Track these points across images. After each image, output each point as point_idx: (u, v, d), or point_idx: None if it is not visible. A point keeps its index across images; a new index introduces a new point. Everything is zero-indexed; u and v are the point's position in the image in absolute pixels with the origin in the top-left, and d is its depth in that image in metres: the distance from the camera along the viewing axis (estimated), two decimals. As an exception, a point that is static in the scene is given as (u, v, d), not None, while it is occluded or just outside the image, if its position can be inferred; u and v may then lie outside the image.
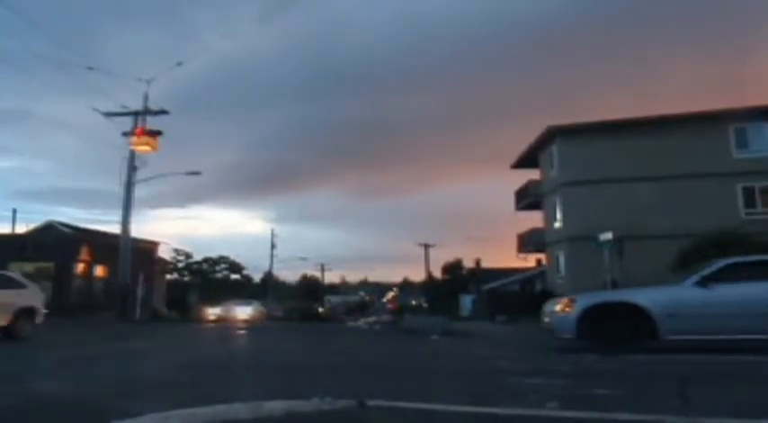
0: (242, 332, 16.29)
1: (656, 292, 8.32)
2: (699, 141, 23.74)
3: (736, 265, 8.18)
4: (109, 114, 23.32)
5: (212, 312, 33.80)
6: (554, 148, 27.04)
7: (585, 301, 8.15)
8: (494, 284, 37.50)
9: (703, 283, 7.85)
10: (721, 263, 8.21)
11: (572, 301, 8.25)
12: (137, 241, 26.63)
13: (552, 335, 8.62)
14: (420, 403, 3.76)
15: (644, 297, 7.90)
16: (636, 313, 7.67)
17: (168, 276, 44.54)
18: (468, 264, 54.61)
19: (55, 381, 5.55)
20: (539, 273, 33.66)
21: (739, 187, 23.49)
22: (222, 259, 50.67)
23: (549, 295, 26.79)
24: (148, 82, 23.46)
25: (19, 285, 12.16)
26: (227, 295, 39.08)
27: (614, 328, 7.70)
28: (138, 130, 22.81)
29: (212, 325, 24.28)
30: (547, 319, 8.86)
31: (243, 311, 32.16)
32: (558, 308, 8.39)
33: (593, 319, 7.80)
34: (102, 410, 3.65)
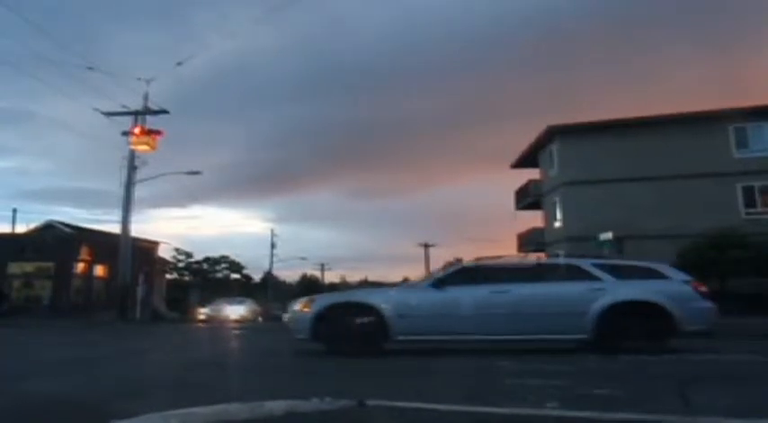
0: (234, 333, 16.26)
1: (392, 294, 8.40)
2: (699, 141, 23.74)
3: (469, 269, 8.38)
4: (109, 114, 23.32)
5: (202, 312, 32.64)
6: (554, 148, 27.04)
7: (323, 300, 8.03)
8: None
9: (438, 285, 7.89)
10: (458, 266, 8.46)
11: (311, 300, 8.08)
12: (137, 241, 26.63)
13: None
14: (420, 403, 3.76)
15: (379, 298, 7.88)
16: (370, 314, 7.61)
17: (168, 276, 44.59)
18: (468, 263, 54.55)
19: (54, 380, 5.55)
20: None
21: (739, 187, 23.49)
22: (222, 259, 50.70)
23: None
24: (148, 82, 23.46)
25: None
26: (227, 295, 38.97)
27: (348, 328, 7.57)
28: (137, 130, 22.80)
29: (201, 325, 23.80)
30: (287, 319, 8.59)
31: (235, 311, 31.00)
32: (297, 307, 8.15)
33: (329, 319, 7.65)
34: (101, 410, 3.65)
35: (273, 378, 5.81)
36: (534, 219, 31.81)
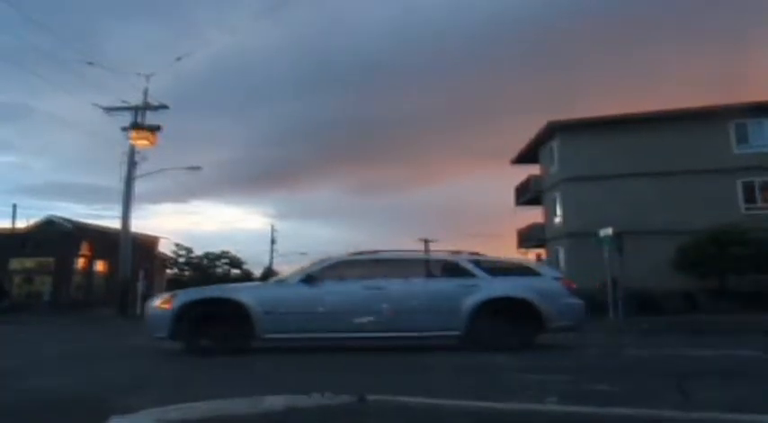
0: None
1: (260, 289, 8.21)
2: (699, 137, 23.70)
3: (342, 263, 8.10)
4: (109, 109, 23.27)
5: None
6: (554, 144, 27.01)
7: (185, 296, 7.58)
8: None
9: (309, 280, 7.64)
10: (330, 260, 8.10)
11: (173, 296, 7.62)
12: (137, 236, 26.61)
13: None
14: (420, 398, 3.76)
15: (246, 294, 7.56)
16: (236, 311, 7.25)
17: (169, 271, 44.58)
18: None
19: (55, 377, 5.56)
20: (539, 268, 33.70)
21: (739, 183, 23.46)
22: (223, 254, 50.67)
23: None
24: (148, 77, 23.40)
25: None
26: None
27: (211, 326, 7.17)
28: (136, 125, 22.77)
29: None
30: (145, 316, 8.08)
31: None
32: (156, 303, 7.63)
33: (191, 317, 7.19)
34: (102, 406, 3.66)
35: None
36: (534, 215, 31.81)
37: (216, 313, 7.25)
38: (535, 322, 7.56)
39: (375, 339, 7.56)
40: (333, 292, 7.60)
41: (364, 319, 7.37)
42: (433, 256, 8.73)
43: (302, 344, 7.76)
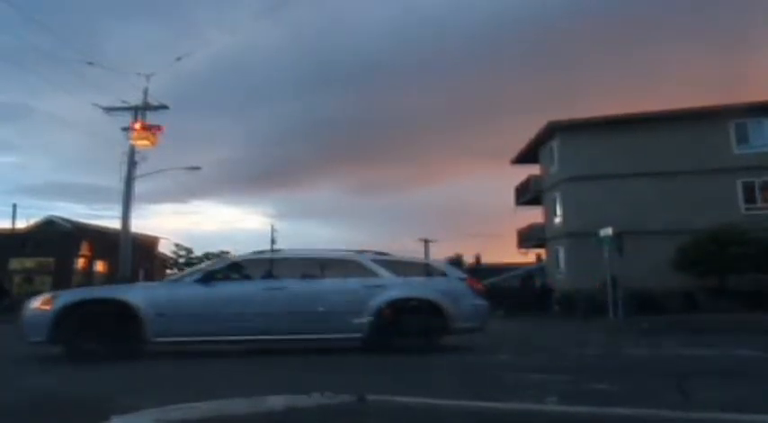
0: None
1: (152, 289, 7.80)
2: (699, 137, 23.69)
3: (241, 263, 7.80)
4: (109, 109, 23.28)
5: None
6: (554, 144, 27.00)
7: (68, 297, 7.02)
8: (493, 280, 37.53)
9: (205, 280, 7.23)
10: (228, 259, 7.88)
11: (54, 296, 7.04)
12: (137, 236, 26.62)
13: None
14: (420, 398, 3.76)
15: (135, 294, 7.09)
16: (123, 312, 6.76)
17: (168, 272, 44.57)
18: (469, 259, 54.63)
19: (54, 377, 5.56)
20: (538, 268, 33.66)
21: (739, 183, 23.45)
22: (223, 254, 50.66)
23: (548, 291, 26.90)
24: (148, 77, 23.40)
25: None
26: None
27: (96, 329, 6.63)
28: (137, 126, 22.77)
29: None
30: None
31: None
32: (35, 304, 6.94)
33: (74, 319, 6.63)
34: (101, 406, 3.66)
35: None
36: (534, 215, 31.80)
37: (102, 315, 6.74)
38: (440, 323, 7.33)
39: (275, 342, 7.20)
40: (230, 292, 7.23)
41: (262, 322, 6.98)
42: (337, 255, 8.37)
43: (198, 348, 7.26)
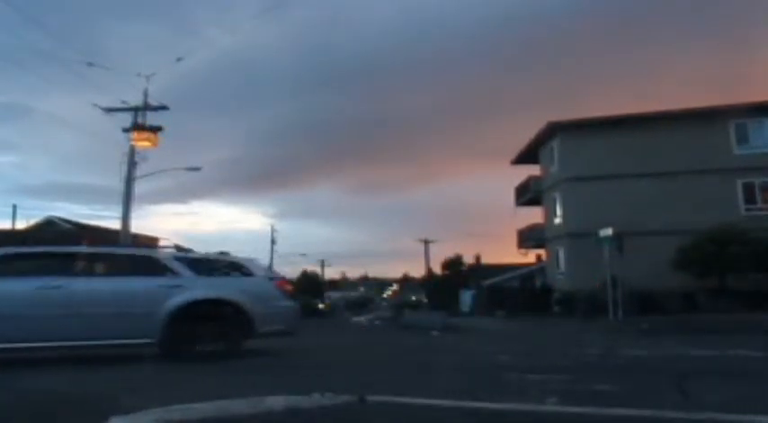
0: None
1: None
2: (699, 137, 23.69)
3: (12, 257, 6.79)
4: (109, 110, 23.26)
5: None
6: (554, 144, 27.00)
7: None
8: (494, 280, 37.54)
9: None
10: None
11: None
12: (137, 237, 26.57)
13: None
14: (420, 398, 3.76)
15: None
16: None
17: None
18: (469, 260, 54.65)
19: (54, 377, 5.56)
20: (539, 269, 33.67)
21: (739, 183, 23.45)
22: (222, 255, 50.70)
23: (549, 291, 26.91)
24: (148, 77, 23.38)
25: None
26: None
27: None
28: (138, 126, 22.78)
29: None
30: None
31: None
32: None
33: None
34: (102, 406, 3.65)
35: None
36: (534, 215, 31.80)
37: None
38: (244, 327, 6.81)
39: (52, 349, 6.46)
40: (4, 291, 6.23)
41: (38, 326, 6.14)
42: (130, 250, 7.55)
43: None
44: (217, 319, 6.70)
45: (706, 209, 21.61)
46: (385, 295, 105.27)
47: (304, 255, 68.31)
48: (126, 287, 6.69)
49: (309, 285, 77.48)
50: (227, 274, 7.47)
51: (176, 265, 7.00)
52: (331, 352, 7.53)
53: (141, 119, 23.28)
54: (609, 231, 17.79)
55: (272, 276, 7.83)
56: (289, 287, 7.64)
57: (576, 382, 4.80)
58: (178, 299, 6.62)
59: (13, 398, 4.23)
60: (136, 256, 7.39)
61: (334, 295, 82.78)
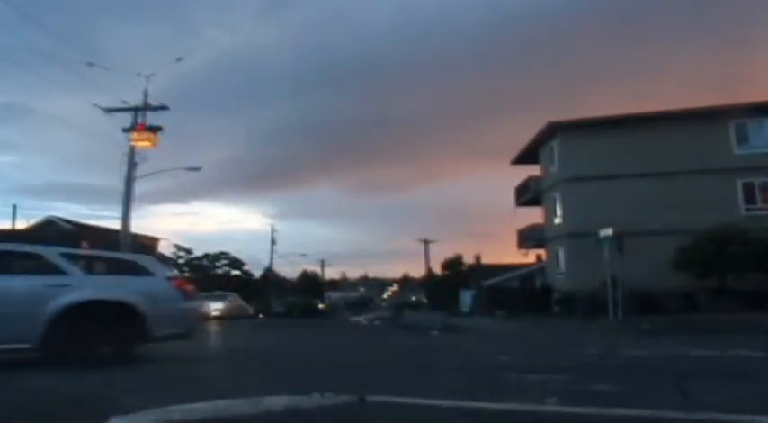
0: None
1: None
2: (699, 137, 23.69)
3: None
4: (109, 110, 23.26)
5: None
6: (554, 144, 27.00)
7: None
8: (494, 280, 37.54)
9: None
10: None
11: None
12: (137, 237, 26.59)
13: None
14: (420, 399, 3.76)
15: None
16: None
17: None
18: (469, 260, 54.69)
19: (54, 377, 5.56)
20: (539, 269, 33.66)
21: (739, 183, 23.45)
22: (222, 255, 50.70)
23: (549, 291, 26.91)
24: (148, 77, 23.38)
25: None
26: (227, 291, 38.92)
27: None
28: (138, 126, 22.78)
29: None
30: None
31: (212, 307, 27.32)
32: None
33: None
34: (102, 406, 3.66)
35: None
36: (534, 215, 31.79)
37: None
38: (137, 330, 6.39)
39: None
40: None
41: None
42: (13, 247, 6.97)
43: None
44: (107, 322, 6.22)
45: (706, 209, 21.60)
46: (385, 295, 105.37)
47: (304, 255, 68.31)
48: (2, 286, 6.07)
49: (309, 285, 77.56)
50: (121, 273, 6.99)
51: (64, 263, 6.48)
52: (336, 350, 7.54)
53: (141, 119, 23.28)
54: (609, 231, 17.80)
55: (171, 276, 7.38)
56: (188, 287, 7.22)
57: (576, 382, 4.80)
58: (64, 299, 6.10)
59: (14, 397, 4.23)
60: (17, 252, 6.76)
61: (334, 295, 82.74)
